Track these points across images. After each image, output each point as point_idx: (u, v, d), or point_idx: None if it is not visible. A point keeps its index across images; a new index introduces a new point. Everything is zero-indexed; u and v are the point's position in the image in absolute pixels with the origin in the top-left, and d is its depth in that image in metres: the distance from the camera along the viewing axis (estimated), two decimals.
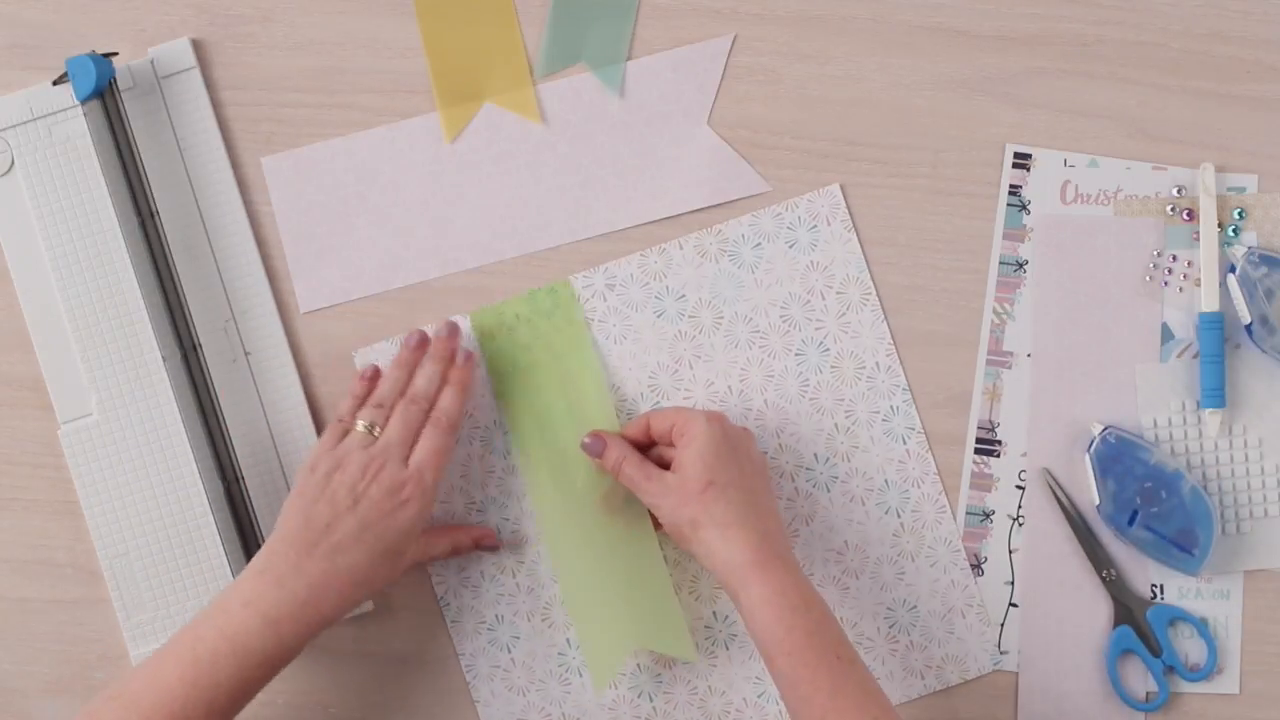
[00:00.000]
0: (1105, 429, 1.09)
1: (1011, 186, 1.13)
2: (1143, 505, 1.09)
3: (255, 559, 1.00)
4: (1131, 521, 1.09)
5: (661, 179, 1.13)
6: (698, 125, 1.13)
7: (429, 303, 1.13)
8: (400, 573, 1.04)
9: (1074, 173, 1.12)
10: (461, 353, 1.09)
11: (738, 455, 1.04)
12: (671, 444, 1.06)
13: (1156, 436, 1.11)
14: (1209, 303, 1.10)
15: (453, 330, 1.09)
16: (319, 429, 1.12)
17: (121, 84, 1.11)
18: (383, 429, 1.04)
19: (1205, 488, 1.10)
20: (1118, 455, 1.09)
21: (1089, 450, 1.09)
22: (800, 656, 0.97)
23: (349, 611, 1.02)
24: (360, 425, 1.04)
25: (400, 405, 1.05)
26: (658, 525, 1.09)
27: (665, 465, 1.06)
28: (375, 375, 1.08)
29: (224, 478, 1.10)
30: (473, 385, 1.10)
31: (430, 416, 1.05)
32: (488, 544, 1.11)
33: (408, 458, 1.03)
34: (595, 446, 1.08)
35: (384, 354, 1.12)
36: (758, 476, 1.04)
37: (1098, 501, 1.09)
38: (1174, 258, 1.12)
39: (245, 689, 0.97)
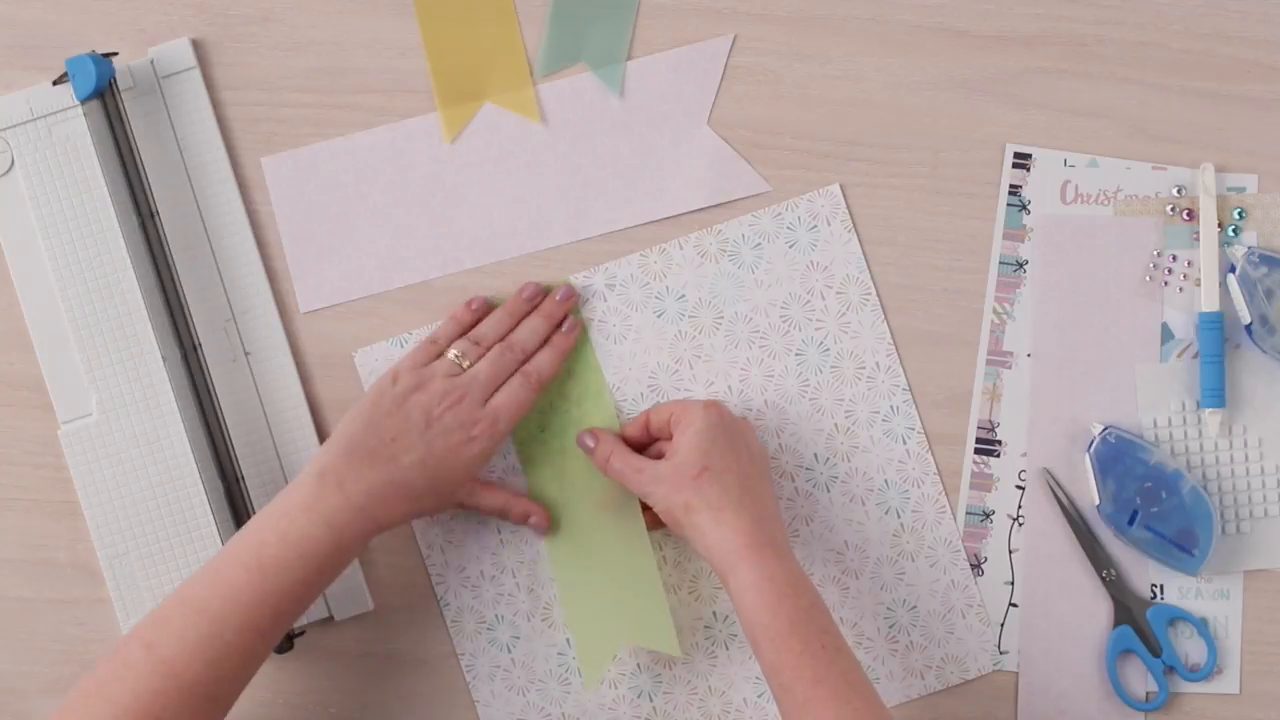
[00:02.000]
0: (1105, 429, 1.09)
1: (1011, 186, 1.13)
2: (1143, 505, 1.09)
3: (315, 459, 1.01)
4: (1131, 521, 1.09)
5: (661, 179, 1.13)
6: (698, 125, 1.13)
7: (430, 303, 1.13)
8: (444, 507, 1.06)
9: (1074, 173, 1.12)
10: (570, 320, 1.10)
11: (734, 442, 1.04)
12: (670, 437, 1.06)
13: (1156, 436, 1.11)
14: (1209, 303, 1.10)
15: (568, 294, 1.11)
16: (319, 429, 1.12)
17: (121, 84, 1.11)
18: (473, 365, 1.06)
19: (1205, 488, 1.10)
20: (1118, 455, 1.09)
21: (1089, 450, 1.09)
22: (784, 642, 0.96)
23: (399, 523, 1.02)
24: (453, 354, 1.06)
25: (496, 348, 1.07)
26: (653, 524, 1.09)
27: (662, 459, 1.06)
28: (482, 308, 1.10)
29: (224, 478, 1.09)
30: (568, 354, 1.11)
31: (522, 369, 1.07)
32: (537, 525, 1.09)
33: (489, 399, 1.05)
34: (587, 441, 1.08)
35: (384, 354, 1.12)
36: (754, 464, 1.05)
37: (1098, 501, 1.09)
38: (1174, 258, 1.12)
39: (308, 592, 0.99)
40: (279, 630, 0.98)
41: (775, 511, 1.04)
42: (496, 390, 1.06)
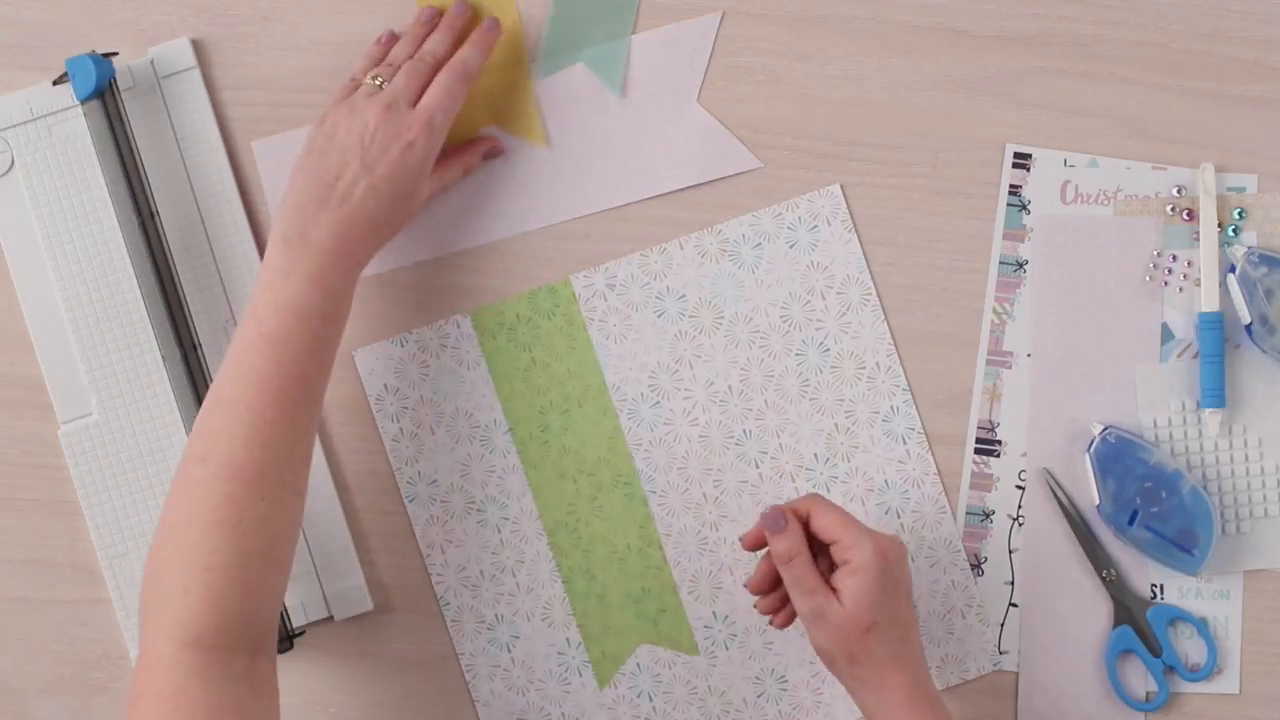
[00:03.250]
0: (1105, 429, 1.09)
1: (1011, 186, 1.13)
2: (1143, 505, 1.09)
3: (273, 229, 1.01)
4: (1131, 521, 1.09)
5: (653, 157, 1.13)
6: (688, 103, 1.13)
7: (430, 303, 1.13)
8: (414, 213, 1.06)
9: (1074, 173, 1.12)
10: (488, 19, 1.10)
11: (898, 589, 1.00)
12: (828, 543, 1.01)
13: (1156, 436, 1.11)
14: (1209, 303, 1.10)
15: (493, 25, 1.10)
16: (319, 429, 1.12)
17: (121, 84, 1.11)
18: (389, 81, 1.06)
19: (1205, 488, 1.10)
20: (1118, 455, 1.09)
21: (1089, 450, 1.09)
22: None
23: (376, 251, 1.03)
24: (367, 80, 1.05)
25: (408, 61, 1.07)
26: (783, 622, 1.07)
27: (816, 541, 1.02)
28: (390, 39, 1.10)
29: None
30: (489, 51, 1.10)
31: (447, 64, 1.06)
32: (495, 152, 1.11)
33: (416, 102, 1.04)
34: (776, 523, 1.01)
35: (384, 354, 1.12)
36: (908, 603, 1.01)
37: (1098, 501, 1.09)
38: (1174, 258, 1.12)
39: (325, 349, 1.00)
40: (314, 394, 0.99)
41: (920, 647, 1.02)
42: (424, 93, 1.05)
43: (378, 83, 1.05)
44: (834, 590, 0.99)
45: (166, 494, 0.97)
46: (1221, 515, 1.11)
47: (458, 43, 1.09)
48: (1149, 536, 1.09)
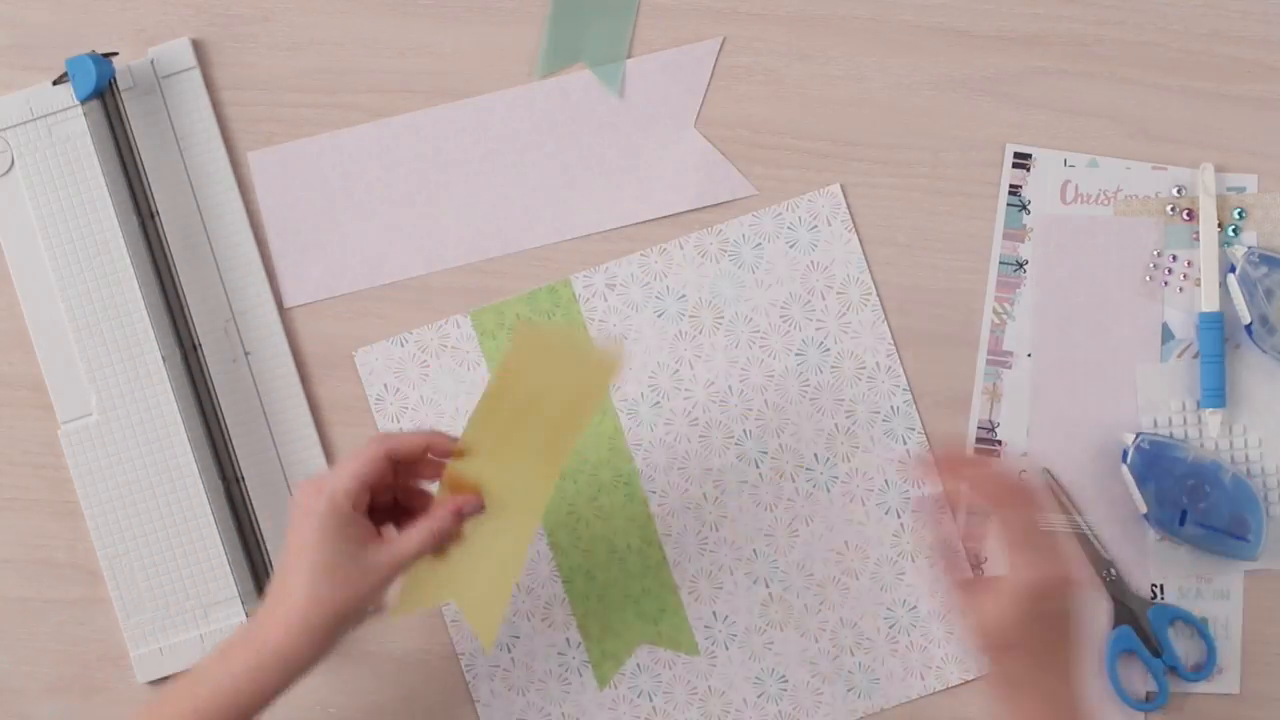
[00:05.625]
0: (1138, 436, 1.09)
1: (1011, 186, 1.13)
2: (1189, 503, 1.09)
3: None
4: (1183, 521, 1.09)
5: (648, 181, 1.13)
6: (685, 128, 1.13)
7: (430, 303, 1.13)
8: (369, 596, 0.96)
9: (1074, 173, 1.12)
10: (473, 500, 1.00)
11: (1045, 615, 0.96)
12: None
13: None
14: (1209, 303, 1.10)
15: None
16: (319, 429, 1.12)
17: (121, 84, 1.11)
18: None
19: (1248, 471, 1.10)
20: (1154, 460, 1.08)
21: (1125, 462, 1.09)
22: None
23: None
24: None
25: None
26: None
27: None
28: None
29: (224, 478, 1.09)
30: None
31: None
32: (473, 509, 0.98)
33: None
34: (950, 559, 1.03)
35: (384, 354, 1.12)
36: (1057, 632, 0.97)
37: (1144, 510, 1.09)
38: (1174, 258, 1.12)
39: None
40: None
41: (1069, 682, 0.96)
42: None
43: None
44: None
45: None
46: (1266, 496, 1.10)
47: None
48: (1202, 532, 1.09)
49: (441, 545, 0.98)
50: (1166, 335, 1.12)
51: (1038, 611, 0.95)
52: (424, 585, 0.99)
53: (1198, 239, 1.11)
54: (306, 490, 0.96)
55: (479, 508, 0.98)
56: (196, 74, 1.12)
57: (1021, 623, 0.94)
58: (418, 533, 0.96)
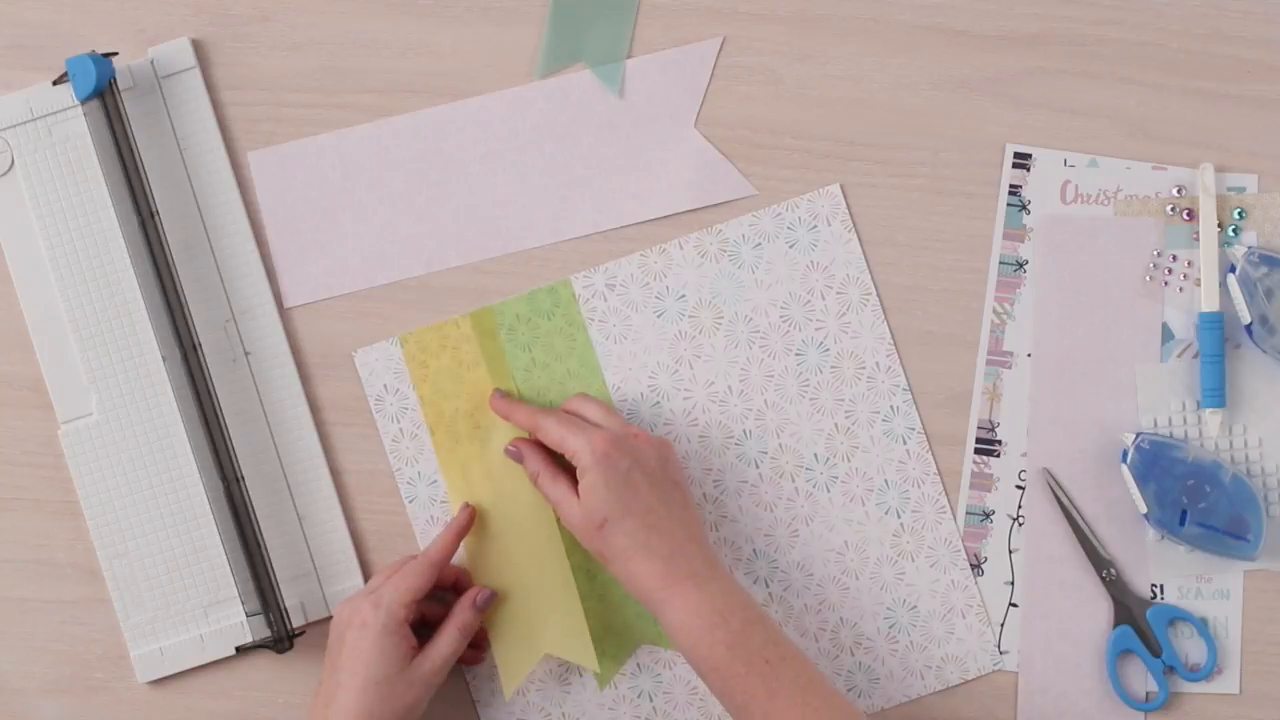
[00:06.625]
0: (1138, 436, 1.09)
1: (1011, 186, 1.13)
2: (1189, 503, 1.09)
3: None
4: (1183, 522, 1.09)
5: (648, 181, 1.13)
6: (685, 128, 1.13)
7: (430, 303, 1.13)
8: (423, 688, 1.04)
9: (1074, 173, 1.12)
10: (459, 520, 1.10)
11: (631, 482, 1.01)
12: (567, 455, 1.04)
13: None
14: (1209, 303, 1.10)
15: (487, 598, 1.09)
16: (319, 429, 1.12)
17: (121, 84, 1.11)
18: None
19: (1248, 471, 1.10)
20: (1154, 460, 1.09)
21: (1125, 462, 1.09)
22: (727, 668, 0.98)
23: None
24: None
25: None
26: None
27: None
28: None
29: (224, 478, 1.09)
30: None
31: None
32: (486, 599, 1.08)
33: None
34: (514, 454, 1.08)
35: (384, 354, 1.12)
36: (658, 493, 1.02)
37: (1144, 510, 1.09)
38: (1174, 258, 1.12)
39: None
40: None
41: (688, 537, 1.02)
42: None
43: None
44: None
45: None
46: (1265, 497, 1.10)
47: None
48: (1202, 532, 1.09)
49: (471, 637, 1.06)
50: (1166, 335, 1.12)
51: (616, 477, 1.01)
52: (513, 658, 1.08)
53: (1198, 239, 1.11)
54: (360, 604, 1.03)
55: (491, 596, 1.07)
56: (196, 74, 1.12)
57: (609, 492, 1.01)
58: (448, 637, 1.05)
